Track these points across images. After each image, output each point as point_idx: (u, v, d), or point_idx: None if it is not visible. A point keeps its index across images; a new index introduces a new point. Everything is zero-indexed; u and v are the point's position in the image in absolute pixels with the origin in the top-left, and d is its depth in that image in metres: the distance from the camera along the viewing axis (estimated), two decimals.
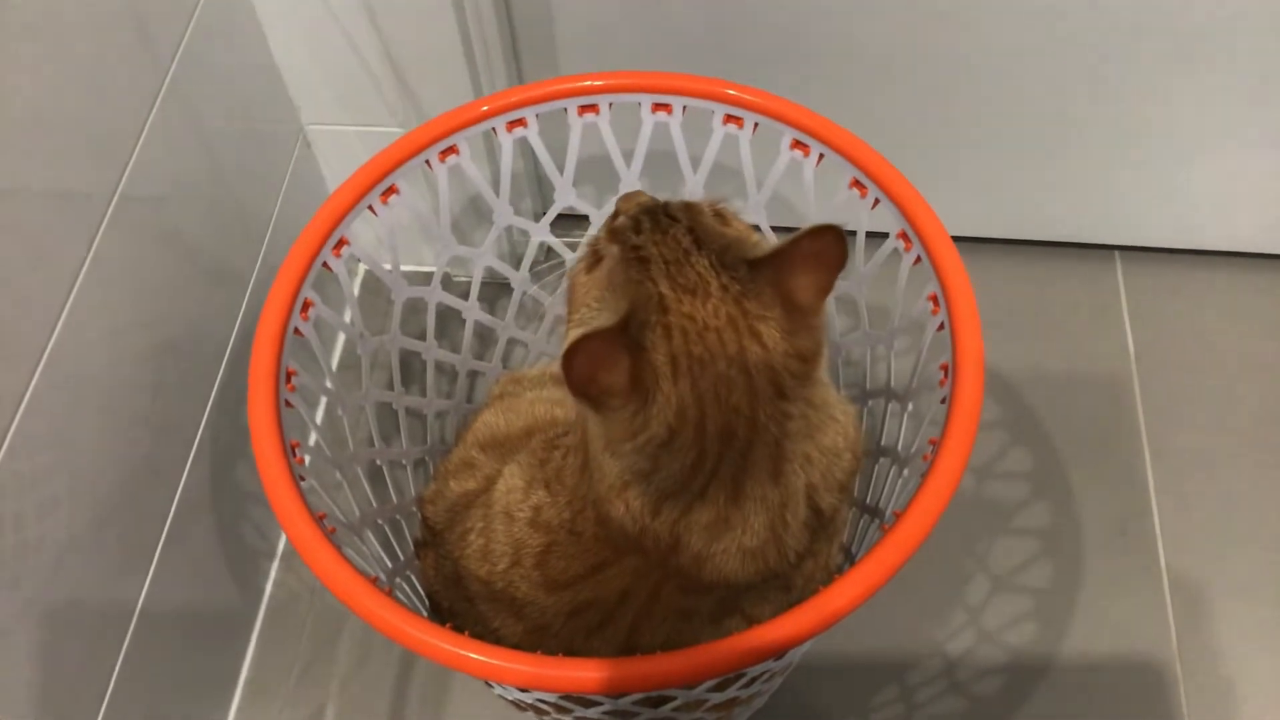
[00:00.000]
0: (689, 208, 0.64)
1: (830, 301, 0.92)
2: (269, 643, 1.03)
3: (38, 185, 0.68)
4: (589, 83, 0.82)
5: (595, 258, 0.64)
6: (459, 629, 0.61)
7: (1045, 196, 1.18)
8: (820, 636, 0.60)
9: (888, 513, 0.73)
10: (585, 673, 0.58)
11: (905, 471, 0.75)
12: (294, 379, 0.72)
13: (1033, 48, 1.00)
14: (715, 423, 0.59)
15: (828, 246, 0.57)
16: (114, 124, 0.76)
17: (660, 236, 0.61)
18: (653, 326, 0.58)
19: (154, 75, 0.80)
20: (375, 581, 0.63)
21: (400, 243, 0.86)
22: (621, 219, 0.64)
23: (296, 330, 0.74)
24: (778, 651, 0.59)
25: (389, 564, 0.79)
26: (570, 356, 0.55)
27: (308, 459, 0.73)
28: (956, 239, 0.74)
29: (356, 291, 1.19)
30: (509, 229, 0.93)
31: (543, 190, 1.17)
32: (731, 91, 0.81)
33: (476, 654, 0.59)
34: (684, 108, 0.83)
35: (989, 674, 0.98)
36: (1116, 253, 1.23)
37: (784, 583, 0.67)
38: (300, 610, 1.05)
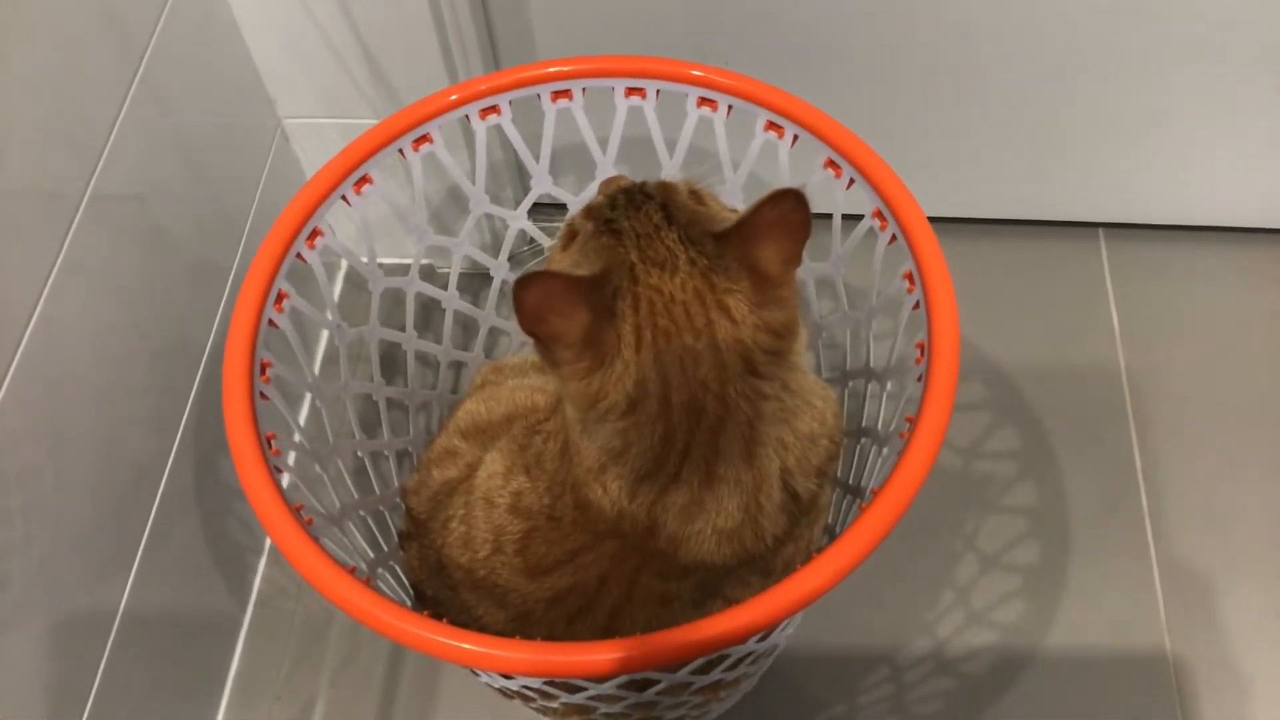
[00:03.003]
0: (664, 186, 0.64)
1: (810, 285, 0.92)
2: (258, 639, 1.03)
3: (5, 182, 0.67)
4: (559, 68, 0.81)
5: (570, 235, 0.65)
6: (438, 617, 0.61)
7: (1027, 175, 1.17)
8: (808, 618, 0.60)
9: (867, 491, 0.73)
10: (562, 656, 0.58)
11: (885, 450, 0.75)
12: (269, 370, 0.72)
13: (1013, 26, 0.99)
14: (681, 395, 0.59)
15: (789, 212, 0.57)
16: (85, 120, 0.75)
17: (633, 212, 0.61)
18: (624, 294, 0.58)
19: (126, 69, 0.80)
20: (353, 571, 0.63)
21: (380, 234, 0.86)
22: (598, 197, 0.65)
23: (271, 322, 0.74)
24: (757, 630, 0.59)
25: (371, 554, 0.79)
26: (522, 287, 0.54)
27: (292, 455, 0.73)
28: (938, 220, 0.73)
29: (339, 284, 1.18)
30: (489, 218, 0.93)
31: (522, 178, 1.17)
32: (700, 73, 0.81)
33: (455, 640, 0.59)
34: (657, 91, 0.83)
35: (978, 654, 0.98)
36: (1100, 230, 1.23)
37: (764, 567, 0.67)
38: (289, 606, 1.04)
